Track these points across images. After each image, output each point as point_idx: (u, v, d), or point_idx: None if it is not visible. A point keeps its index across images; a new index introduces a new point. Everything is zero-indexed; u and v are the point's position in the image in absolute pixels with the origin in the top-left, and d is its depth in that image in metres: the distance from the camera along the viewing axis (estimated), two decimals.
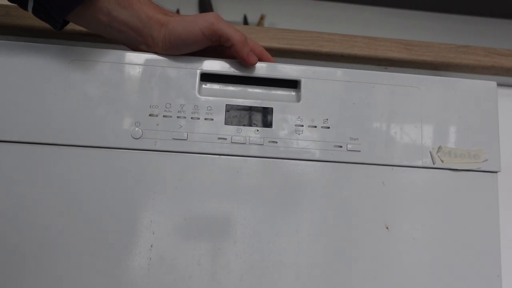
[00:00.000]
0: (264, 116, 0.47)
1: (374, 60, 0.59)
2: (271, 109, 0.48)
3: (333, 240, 0.46)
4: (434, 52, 0.57)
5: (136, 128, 0.46)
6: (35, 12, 0.43)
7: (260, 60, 0.49)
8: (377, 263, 0.46)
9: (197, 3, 1.39)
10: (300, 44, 0.55)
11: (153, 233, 0.44)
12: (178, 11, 1.35)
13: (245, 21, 1.32)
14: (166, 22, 0.44)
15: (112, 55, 0.47)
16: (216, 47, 0.48)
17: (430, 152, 0.49)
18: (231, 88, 0.49)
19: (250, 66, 0.47)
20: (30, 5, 0.42)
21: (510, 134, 0.61)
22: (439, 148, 0.49)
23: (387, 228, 0.47)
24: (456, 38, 1.15)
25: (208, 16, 0.45)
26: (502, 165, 0.51)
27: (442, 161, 0.49)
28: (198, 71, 0.47)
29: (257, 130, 0.47)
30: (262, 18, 1.18)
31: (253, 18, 1.20)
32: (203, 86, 0.48)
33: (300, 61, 0.59)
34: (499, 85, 0.55)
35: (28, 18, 0.53)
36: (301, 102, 0.48)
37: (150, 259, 0.44)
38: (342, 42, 0.55)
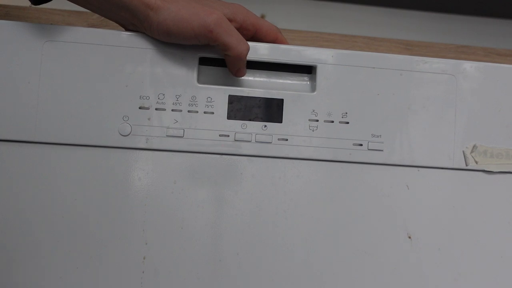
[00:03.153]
0: (273, 109, 0.41)
1: None
2: (281, 100, 0.41)
3: (348, 250, 0.41)
4: (434, 52, 0.56)
5: (124, 123, 0.39)
6: None
7: (274, 43, 0.42)
8: (397, 276, 0.41)
9: None
10: (300, 44, 0.52)
11: (146, 244, 0.39)
12: None
13: None
14: (156, 8, 0.37)
15: (95, 34, 0.40)
16: None
17: (463, 152, 0.42)
18: None
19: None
20: None
21: None
22: (474, 146, 0.43)
23: (409, 237, 0.42)
24: (456, 38, 1.15)
25: (207, 19, 0.37)
26: None
27: (476, 162, 0.42)
28: (197, 55, 0.40)
29: (265, 126, 0.41)
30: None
31: None
32: (203, 72, 0.41)
33: None
34: None
35: (28, 19, 0.49)
36: (316, 92, 0.41)
37: (143, 272, 0.39)
38: (342, 42, 0.54)
